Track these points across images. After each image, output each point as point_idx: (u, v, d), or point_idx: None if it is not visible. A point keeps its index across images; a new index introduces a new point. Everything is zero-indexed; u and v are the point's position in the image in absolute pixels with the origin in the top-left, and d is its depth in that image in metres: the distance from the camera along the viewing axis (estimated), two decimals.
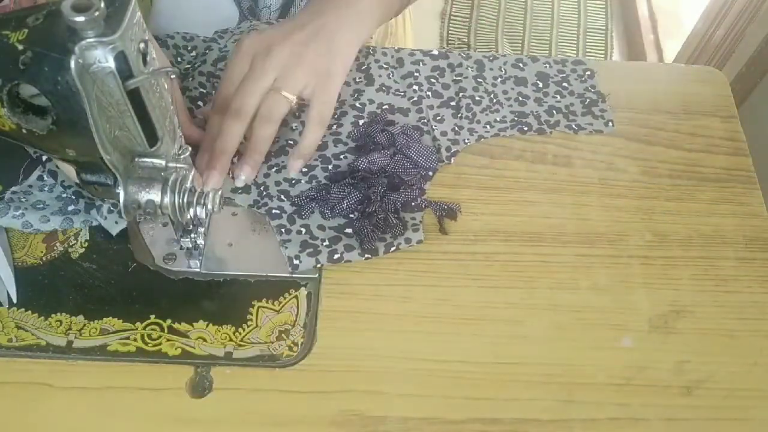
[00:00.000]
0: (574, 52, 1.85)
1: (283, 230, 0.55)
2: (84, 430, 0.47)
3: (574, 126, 0.64)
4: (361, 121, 0.61)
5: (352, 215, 0.55)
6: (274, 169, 0.58)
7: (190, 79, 0.62)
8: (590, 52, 1.86)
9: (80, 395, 0.47)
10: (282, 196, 0.57)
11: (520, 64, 0.68)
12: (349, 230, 0.55)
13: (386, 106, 0.63)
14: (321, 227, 0.55)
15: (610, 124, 0.64)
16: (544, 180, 0.61)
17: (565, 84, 0.67)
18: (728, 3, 1.41)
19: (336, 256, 0.53)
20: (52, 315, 0.50)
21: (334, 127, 0.61)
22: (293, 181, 0.57)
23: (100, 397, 0.47)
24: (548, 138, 0.63)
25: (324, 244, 0.54)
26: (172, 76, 0.45)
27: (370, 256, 0.54)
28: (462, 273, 0.55)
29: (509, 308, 0.53)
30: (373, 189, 0.55)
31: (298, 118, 0.61)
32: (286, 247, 0.53)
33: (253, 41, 0.58)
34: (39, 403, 0.47)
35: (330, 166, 0.58)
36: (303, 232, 0.55)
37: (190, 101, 0.61)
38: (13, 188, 0.54)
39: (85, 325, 0.50)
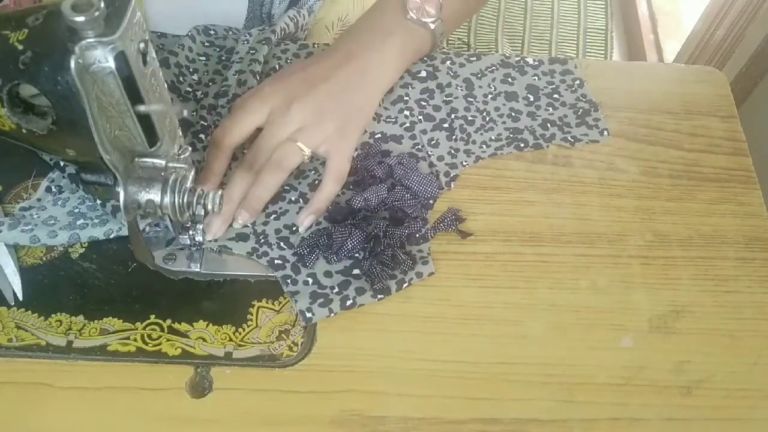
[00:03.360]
0: (574, 52, 1.85)
1: (289, 281, 0.53)
2: (84, 430, 0.47)
3: (570, 138, 0.63)
4: (354, 153, 0.59)
5: (357, 255, 0.54)
6: (272, 217, 0.56)
7: (193, 113, 0.61)
8: (590, 52, 1.86)
9: (80, 395, 0.47)
10: (282, 244, 0.54)
11: (509, 79, 0.66)
12: (356, 271, 0.53)
13: (378, 135, 0.61)
14: (328, 273, 0.53)
15: (605, 133, 0.64)
16: (544, 180, 0.61)
17: (555, 95, 0.66)
18: (728, 3, 1.41)
19: (349, 303, 0.51)
20: (52, 315, 0.50)
21: None
22: (294, 227, 0.55)
23: (100, 397, 0.47)
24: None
25: (334, 291, 0.52)
26: (185, 113, 0.45)
27: (383, 296, 0.52)
28: (462, 273, 0.55)
29: (509, 308, 0.53)
30: (376, 225, 0.54)
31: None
32: (296, 300, 0.51)
33: (274, 90, 0.57)
34: (39, 403, 0.47)
35: (330, 206, 0.57)
36: (310, 282, 0.53)
37: (192, 135, 0.59)
38: (23, 204, 0.54)
39: (85, 325, 0.50)
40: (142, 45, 0.40)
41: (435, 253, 0.55)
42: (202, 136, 0.59)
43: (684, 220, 0.59)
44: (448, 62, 0.67)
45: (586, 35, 1.90)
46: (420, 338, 0.52)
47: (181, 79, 0.63)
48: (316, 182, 0.58)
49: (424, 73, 0.66)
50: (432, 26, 0.62)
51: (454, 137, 0.62)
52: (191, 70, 0.64)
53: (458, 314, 0.53)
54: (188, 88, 0.63)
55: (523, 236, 0.57)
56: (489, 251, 0.56)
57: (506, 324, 0.53)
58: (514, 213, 0.58)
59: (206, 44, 0.66)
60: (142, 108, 0.41)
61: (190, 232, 0.52)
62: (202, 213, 0.48)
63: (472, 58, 0.67)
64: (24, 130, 0.42)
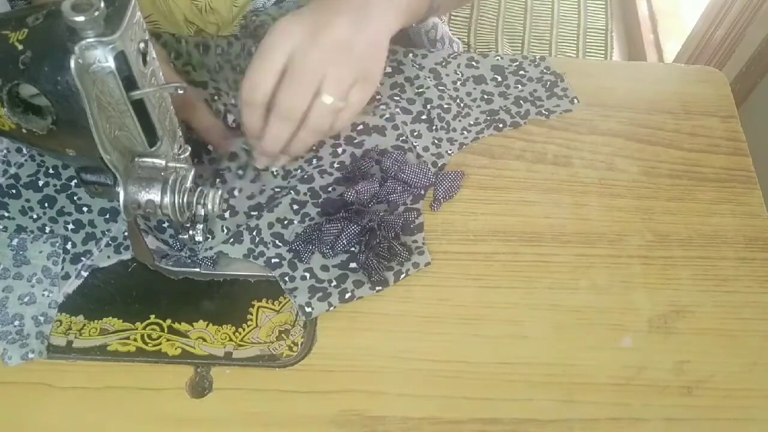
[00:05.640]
0: (574, 52, 1.85)
1: (287, 278, 0.53)
2: (84, 430, 0.47)
3: (544, 111, 0.65)
4: (339, 149, 0.59)
5: (353, 249, 0.54)
6: (265, 209, 0.56)
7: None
8: (590, 52, 1.86)
9: (80, 395, 0.47)
10: (277, 242, 0.54)
11: (474, 63, 0.67)
12: (353, 264, 0.53)
13: (360, 126, 0.61)
14: (324, 267, 0.53)
15: (575, 101, 0.66)
16: (544, 180, 0.61)
17: (521, 72, 0.67)
18: (728, 3, 1.41)
19: (347, 296, 0.52)
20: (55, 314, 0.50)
21: (314, 161, 0.59)
22: (286, 222, 0.55)
23: (100, 397, 0.47)
24: (548, 138, 0.63)
25: (332, 285, 0.52)
26: (180, 91, 0.44)
27: (381, 288, 0.52)
28: (462, 273, 0.55)
29: (509, 308, 0.53)
30: (370, 218, 0.54)
31: None
32: (295, 296, 0.51)
33: (291, 28, 0.52)
34: (39, 403, 0.47)
35: (320, 201, 0.57)
36: (308, 277, 0.53)
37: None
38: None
39: (85, 325, 0.50)
40: (142, 45, 0.40)
41: (435, 253, 0.55)
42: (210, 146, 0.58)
43: (684, 220, 0.59)
44: (410, 55, 0.67)
45: (586, 35, 1.90)
46: (420, 338, 0.51)
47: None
48: (305, 176, 0.58)
49: (389, 69, 0.65)
50: None
51: (434, 127, 0.62)
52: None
53: (458, 314, 0.53)
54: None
55: (523, 236, 0.57)
56: (489, 251, 0.56)
57: (506, 324, 0.53)
58: (514, 213, 0.58)
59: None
60: (136, 93, 0.40)
61: (191, 232, 0.52)
62: (202, 213, 0.48)
63: (431, 49, 0.68)
64: (24, 130, 0.42)
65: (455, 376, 0.50)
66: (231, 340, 0.50)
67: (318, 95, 0.52)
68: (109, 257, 0.53)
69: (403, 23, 0.59)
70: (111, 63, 0.38)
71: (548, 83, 0.67)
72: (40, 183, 0.55)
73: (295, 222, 0.55)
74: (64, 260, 0.52)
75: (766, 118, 1.21)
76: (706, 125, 0.66)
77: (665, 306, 0.54)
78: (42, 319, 0.49)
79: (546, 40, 1.88)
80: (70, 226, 0.53)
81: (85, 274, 0.52)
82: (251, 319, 0.51)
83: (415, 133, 0.62)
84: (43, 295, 0.50)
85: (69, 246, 0.53)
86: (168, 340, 0.50)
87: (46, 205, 0.54)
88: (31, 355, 0.48)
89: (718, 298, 0.55)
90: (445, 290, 0.54)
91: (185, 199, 0.46)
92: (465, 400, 0.49)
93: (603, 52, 1.87)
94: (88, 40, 0.37)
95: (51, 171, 0.55)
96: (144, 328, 0.50)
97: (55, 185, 0.55)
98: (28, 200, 0.54)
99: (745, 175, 0.62)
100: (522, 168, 0.61)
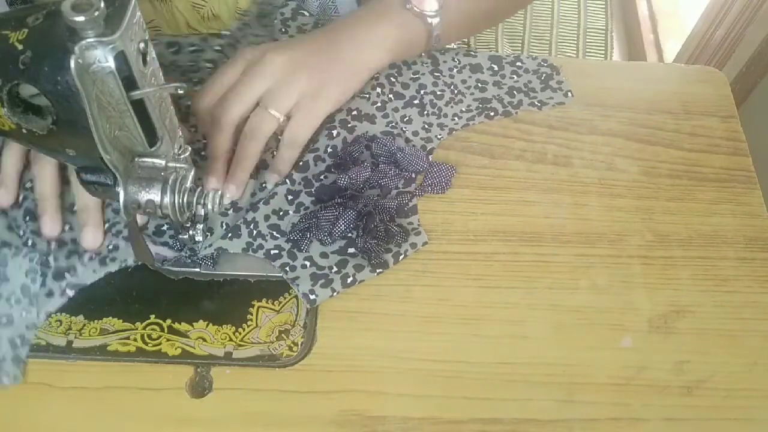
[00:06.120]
0: (574, 52, 1.85)
1: (287, 268, 0.53)
2: (84, 430, 0.47)
3: (536, 102, 0.65)
4: (334, 132, 0.59)
5: (350, 234, 0.54)
6: (261, 202, 0.56)
7: (192, 128, 0.61)
8: (590, 52, 1.86)
9: (80, 395, 0.47)
10: (275, 233, 0.54)
11: (472, 52, 0.68)
12: (351, 250, 0.54)
13: (354, 112, 0.61)
14: (324, 254, 0.54)
15: (570, 94, 0.66)
16: (544, 180, 0.61)
17: (518, 63, 0.68)
18: (728, 3, 1.41)
19: (349, 280, 0.52)
20: (52, 315, 0.50)
21: (311, 144, 0.59)
22: (281, 213, 0.56)
23: (100, 397, 0.47)
24: (548, 138, 0.63)
25: (333, 271, 0.53)
26: (180, 91, 0.44)
27: (381, 270, 0.53)
28: (462, 273, 0.55)
29: (509, 308, 0.53)
30: (365, 202, 0.54)
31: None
32: (298, 284, 0.52)
33: (252, 48, 0.56)
34: (39, 403, 0.47)
35: (314, 189, 0.57)
36: (308, 265, 0.53)
37: (194, 153, 0.57)
38: None
39: (85, 325, 0.50)
40: (142, 45, 0.40)
41: (435, 253, 0.55)
42: (203, 153, 0.58)
43: (684, 220, 0.59)
44: None
45: (586, 35, 1.90)
46: (420, 338, 0.51)
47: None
48: (300, 163, 0.58)
49: None
50: (429, 20, 0.60)
51: (425, 112, 0.63)
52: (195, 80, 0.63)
53: (458, 314, 0.53)
54: (188, 102, 0.62)
55: (523, 236, 0.57)
56: (489, 251, 0.56)
57: (506, 324, 0.53)
58: (514, 213, 0.58)
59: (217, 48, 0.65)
60: (136, 93, 0.40)
61: (190, 232, 0.52)
62: (202, 213, 0.48)
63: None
64: (24, 130, 0.42)
65: (455, 376, 0.50)
66: (231, 340, 0.50)
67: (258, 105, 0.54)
68: (95, 271, 0.52)
69: (392, 59, 0.61)
70: (111, 63, 0.38)
71: (543, 75, 0.67)
72: (20, 198, 0.53)
73: (291, 213, 0.56)
74: (45, 275, 0.51)
75: (766, 118, 1.21)
76: (706, 125, 0.66)
77: (665, 306, 0.54)
78: (19, 341, 0.48)
79: (546, 40, 1.88)
80: (53, 242, 0.52)
81: (70, 293, 0.51)
82: (251, 319, 0.51)
83: (406, 118, 0.62)
84: (21, 315, 0.49)
85: (51, 259, 0.51)
86: (168, 340, 0.50)
87: (27, 218, 0.53)
88: (5, 380, 0.47)
89: (718, 298, 0.55)
90: (445, 290, 0.54)
91: (185, 199, 0.46)
92: (465, 400, 0.49)
93: (603, 52, 1.87)
94: (88, 40, 0.37)
95: (27, 185, 0.53)
96: (144, 328, 0.50)
97: (34, 199, 0.53)
98: (14, 218, 0.53)
99: (745, 175, 0.62)
100: (522, 168, 0.61)
